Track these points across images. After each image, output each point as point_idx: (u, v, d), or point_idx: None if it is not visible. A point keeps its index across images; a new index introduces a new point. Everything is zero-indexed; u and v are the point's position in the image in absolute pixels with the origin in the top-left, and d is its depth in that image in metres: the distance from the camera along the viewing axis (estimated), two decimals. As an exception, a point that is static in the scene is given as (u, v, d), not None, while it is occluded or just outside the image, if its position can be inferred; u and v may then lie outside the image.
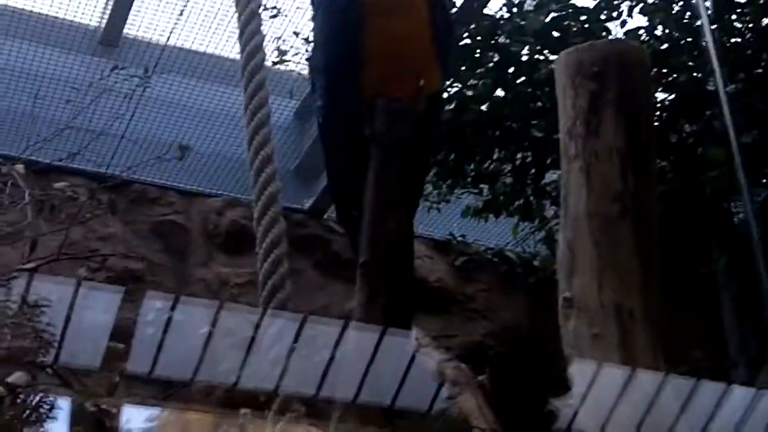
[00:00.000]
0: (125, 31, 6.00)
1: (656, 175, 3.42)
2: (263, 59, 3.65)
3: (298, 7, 5.21)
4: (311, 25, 5.42)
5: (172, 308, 2.74)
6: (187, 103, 5.95)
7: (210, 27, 5.58)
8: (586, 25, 4.70)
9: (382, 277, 2.81)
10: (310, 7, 3.38)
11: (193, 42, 5.76)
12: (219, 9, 5.42)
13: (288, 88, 6.02)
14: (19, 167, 5.01)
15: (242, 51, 3.69)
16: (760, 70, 4.76)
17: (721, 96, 3.58)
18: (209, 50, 5.84)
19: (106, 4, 5.90)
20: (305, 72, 5.75)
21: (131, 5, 5.84)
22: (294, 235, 6.29)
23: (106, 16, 5.96)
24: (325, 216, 6.45)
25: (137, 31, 5.95)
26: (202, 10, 5.46)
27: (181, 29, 5.59)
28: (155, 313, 2.78)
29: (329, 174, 3.35)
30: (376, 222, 2.84)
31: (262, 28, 3.79)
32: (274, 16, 5.10)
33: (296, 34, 5.30)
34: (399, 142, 2.89)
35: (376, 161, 2.87)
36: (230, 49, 5.65)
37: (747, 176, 4.13)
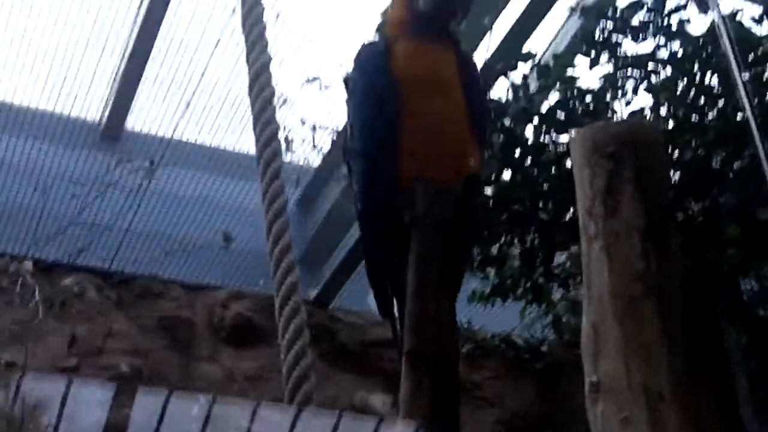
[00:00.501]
0: (127, 125, 6.05)
1: (677, 253, 3.40)
2: (278, 148, 3.65)
3: (305, 95, 5.25)
4: (319, 112, 5.50)
5: (166, 403, 2.72)
6: (191, 196, 5.97)
7: (216, 119, 5.61)
8: (591, 106, 4.72)
9: (428, 365, 2.78)
10: (344, 89, 3.39)
11: (198, 134, 5.80)
12: (225, 101, 5.46)
13: (291, 178, 6.05)
14: (28, 264, 5.01)
15: (257, 140, 3.69)
16: (769, 147, 4.78)
17: (761, 154, 3.55)
18: (213, 143, 5.88)
19: (107, 97, 5.95)
20: (311, 160, 5.79)
21: (133, 99, 5.89)
22: (300, 326, 6.25)
23: (108, 110, 6.01)
24: (330, 306, 6.42)
25: (139, 125, 6.00)
26: (207, 103, 5.50)
27: (187, 122, 5.62)
28: (148, 408, 2.75)
29: (368, 260, 3.31)
30: (419, 308, 2.81)
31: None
32: (281, 105, 5.13)
33: (303, 122, 5.32)
34: (439, 225, 2.88)
35: (417, 245, 2.85)
36: (235, 141, 5.70)
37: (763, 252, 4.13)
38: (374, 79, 3.16)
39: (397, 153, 3.04)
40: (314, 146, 5.29)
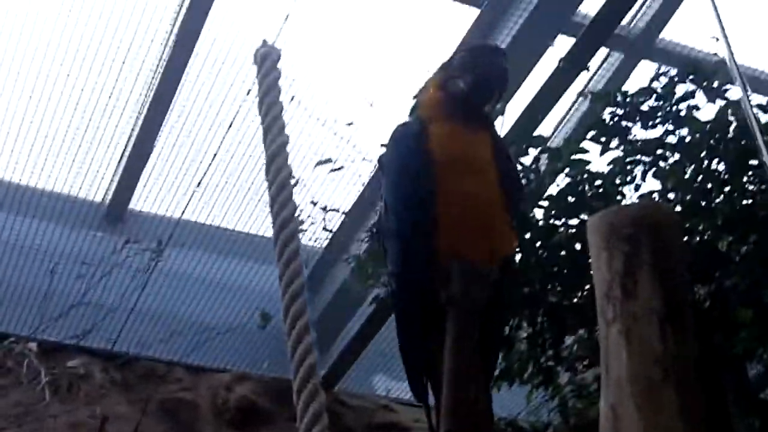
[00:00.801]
0: (132, 205, 6.08)
1: (694, 336, 3.43)
2: (296, 229, 3.68)
3: (317, 177, 5.30)
4: (329, 194, 5.55)
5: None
6: (197, 277, 6.00)
7: (226, 200, 5.65)
8: (600, 190, 4.77)
9: None
10: (378, 167, 3.42)
11: (207, 216, 5.84)
12: (236, 183, 5.51)
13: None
14: (32, 346, 5.01)
15: (274, 221, 3.72)
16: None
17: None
18: (222, 224, 5.92)
19: (112, 178, 5.99)
20: (318, 241, 5.82)
21: (138, 179, 5.94)
22: (305, 409, 6.24)
23: (112, 191, 6.06)
24: (336, 388, 6.41)
25: (147, 205, 6.04)
26: (218, 183, 5.55)
27: (197, 202, 5.66)
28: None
29: (401, 342, 3.30)
30: (456, 390, 2.81)
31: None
32: (293, 186, 5.17)
33: (314, 203, 5.35)
34: (476, 306, 2.89)
35: (453, 327, 2.86)
36: (244, 222, 5.73)
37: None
38: (410, 160, 3.19)
39: (433, 233, 3.05)
40: (325, 228, 5.31)
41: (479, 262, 3.00)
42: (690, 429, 3.19)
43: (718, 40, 4.73)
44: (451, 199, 3.07)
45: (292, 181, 5.12)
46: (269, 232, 6.01)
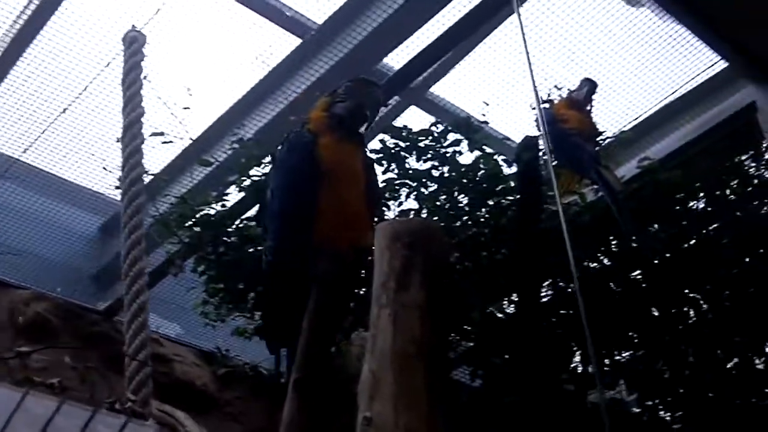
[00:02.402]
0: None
1: (446, 328, 3.55)
2: (142, 188, 3.57)
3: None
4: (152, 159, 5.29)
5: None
6: (22, 211, 5.66)
7: (64, 152, 5.28)
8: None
9: (312, 391, 2.78)
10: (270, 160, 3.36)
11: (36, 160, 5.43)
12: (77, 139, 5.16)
13: (99, 206, 5.86)
14: None
15: (124, 179, 3.60)
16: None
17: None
18: (53, 170, 5.55)
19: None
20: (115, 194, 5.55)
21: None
22: (87, 332, 5.99)
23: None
24: (116, 318, 6.16)
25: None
26: (59, 136, 5.16)
27: (37, 149, 5.25)
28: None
29: (267, 306, 3.29)
30: (311, 347, 2.81)
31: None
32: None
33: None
34: (337, 284, 2.91)
35: (317, 297, 2.87)
36: (73, 172, 5.42)
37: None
38: (301, 163, 3.24)
39: (311, 221, 3.08)
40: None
41: (343, 250, 3.05)
42: (431, 397, 3.31)
43: (487, 104, 4.97)
44: (330, 199, 3.14)
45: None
46: (92, 185, 5.75)
